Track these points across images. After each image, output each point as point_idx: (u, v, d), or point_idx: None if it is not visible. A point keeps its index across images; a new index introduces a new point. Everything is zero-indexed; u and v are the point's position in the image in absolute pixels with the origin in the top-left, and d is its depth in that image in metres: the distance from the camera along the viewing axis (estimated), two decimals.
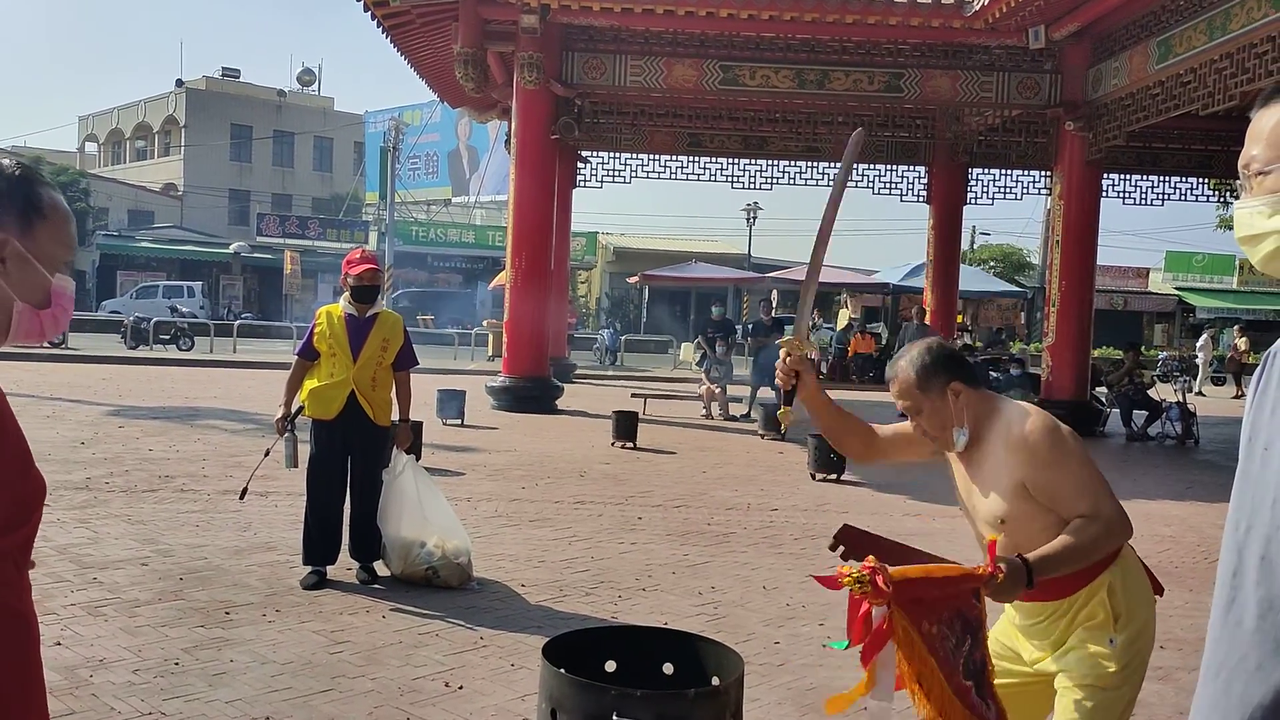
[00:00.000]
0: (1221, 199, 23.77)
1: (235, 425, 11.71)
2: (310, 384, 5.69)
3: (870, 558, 2.42)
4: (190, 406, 13.35)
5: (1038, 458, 2.54)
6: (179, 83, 51.02)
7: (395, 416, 5.85)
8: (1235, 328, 27.51)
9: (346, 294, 5.76)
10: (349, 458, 5.74)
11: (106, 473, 8.44)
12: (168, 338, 24.14)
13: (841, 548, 2.88)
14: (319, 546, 5.68)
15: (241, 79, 53.64)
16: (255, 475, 6.28)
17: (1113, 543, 2.54)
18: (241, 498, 6.19)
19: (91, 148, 57.78)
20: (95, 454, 9.28)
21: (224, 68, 54.16)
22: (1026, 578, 2.42)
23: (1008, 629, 2.82)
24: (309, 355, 5.74)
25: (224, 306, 37.21)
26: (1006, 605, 2.79)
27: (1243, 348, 26.06)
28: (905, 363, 2.72)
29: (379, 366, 5.72)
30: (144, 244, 39.67)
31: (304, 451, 5.78)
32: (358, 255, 5.92)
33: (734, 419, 14.86)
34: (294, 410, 5.72)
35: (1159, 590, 2.70)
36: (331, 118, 52.87)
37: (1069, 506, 2.52)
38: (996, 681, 2.66)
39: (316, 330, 5.71)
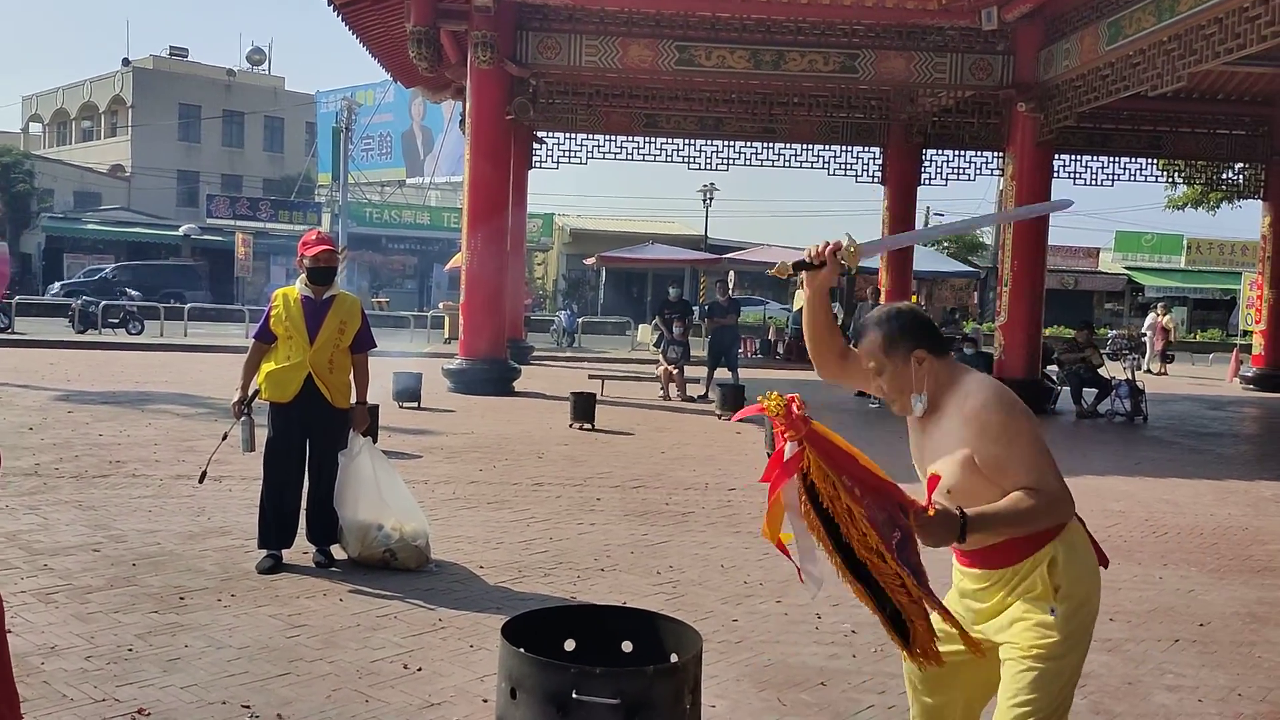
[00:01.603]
0: (1170, 179, 24.15)
1: (187, 409, 11.56)
2: (267, 367, 5.63)
3: (798, 397, 2.42)
4: (141, 391, 13.16)
5: (988, 432, 2.57)
6: (125, 62, 50.07)
7: (354, 399, 5.81)
8: (1158, 305, 27.97)
9: (302, 276, 5.70)
10: (306, 441, 5.69)
11: (56, 458, 8.30)
12: (117, 321, 23.75)
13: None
14: (275, 530, 5.63)
15: (190, 58, 52.73)
16: (213, 459, 6.21)
17: (1052, 519, 2.58)
18: (201, 481, 6.11)
19: (36, 128, 56.55)
20: (44, 439, 9.13)
21: (172, 47, 53.25)
22: (959, 528, 2.45)
23: (954, 600, 2.85)
24: (266, 338, 5.67)
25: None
26: (954, 576, 2.84)
27: (1167, 324, 26.52)
28: (874, 324, 2.75)
29: (336, 349, 5.66)
30: (91, 226, 38.94)
31: (261, 435, 5.72)
32: (313, 236, 5.86)
33: (692, 399, 14.90)
34: (250, 393, 5.66)
35: (1104, 562, 2.75)
36: (282, 97, 52.12)
37: (1013, 479, 2.55)
38: (943, 648, 2.70)
39: (273, 313, 5.64)
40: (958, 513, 2.47)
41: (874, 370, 2.76)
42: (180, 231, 39.32)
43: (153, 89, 48.58)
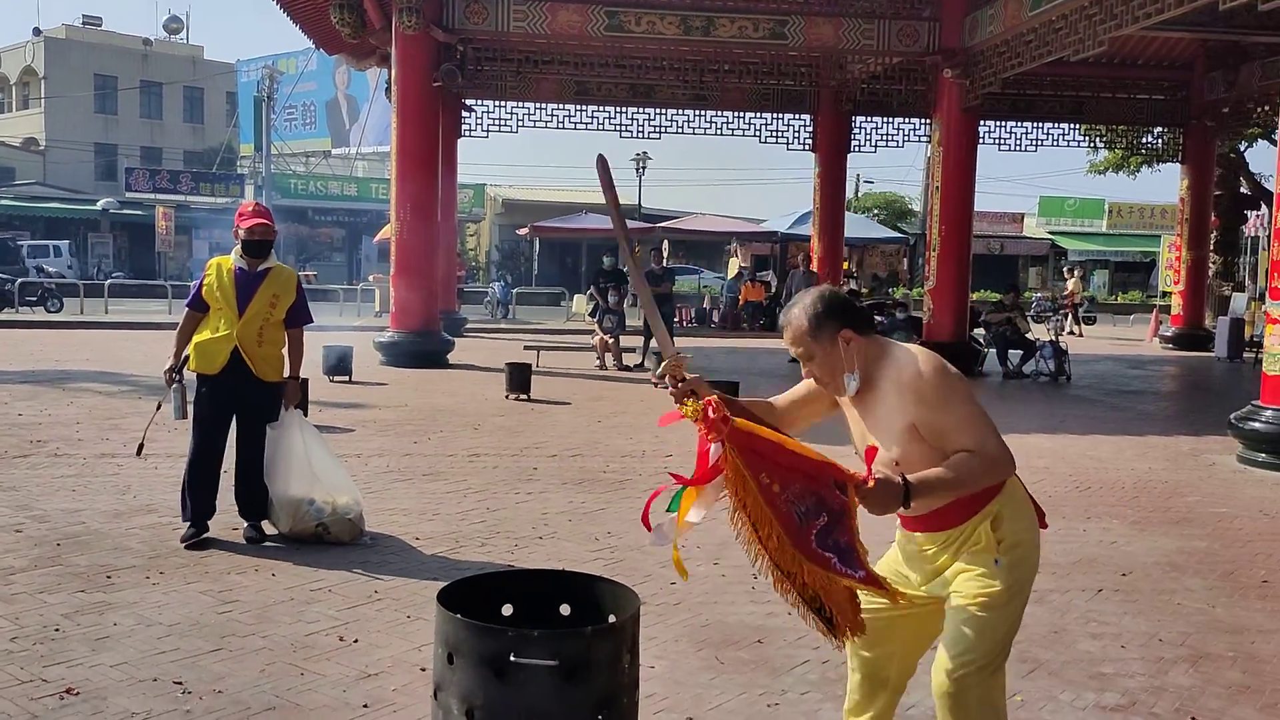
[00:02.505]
0: (1091, 144, 24.62)
1: (109, 387, 11.29)
2: (198, 338, 5.54)
3: (715, 396, 2.50)
4: (61, 369, 12.81)
5: (925, 399, 2.61)
6: (36, 31, 48.41)
7: (287, 373, 5.71)
8: (1066, 269, 28.65)
9: (238, 247, 5.57)
10: (231, 413, 5.60)
11: None
12: (34, 299, 23.06)
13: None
14: (199, 502, 5.54)
15: (104, 27, 51.11)
16: (149, 428, 6.04)
17: (994, 477, 2.64)
18: (139, 453, 5.94)
19: None
20: None
21: (85, 15, 51.53)
22: (903, 495, 2.51)
23: (896, 557, 2.91)
24: (198, 307, 5.55)
25: (93, 266, 35.65)
26: (896, 539, 2.89)
27: (1072, 289, 27.17)
28: (798, 310, 2.75)
29: (266, 322, 5.54)
30: (5, 202, 37.67)
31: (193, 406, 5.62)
32: (250, 208, 5.73)
33: (628, 369, 14.91)
34: (181, 361, 5.56)
35: (1043, 523, 2.83)
36: (201, 67, 50.82)
37: (954, 442, 2.61)
38: (875, 605, 2.76)
39: (205, 282, 5.53)
40: (900, 480, 2.52)
41: (803, 357, 2.77)
42: (98, 206, 38.19)
43: (66, 59, 47.04)
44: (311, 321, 5.84)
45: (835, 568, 2.52)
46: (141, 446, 5.93)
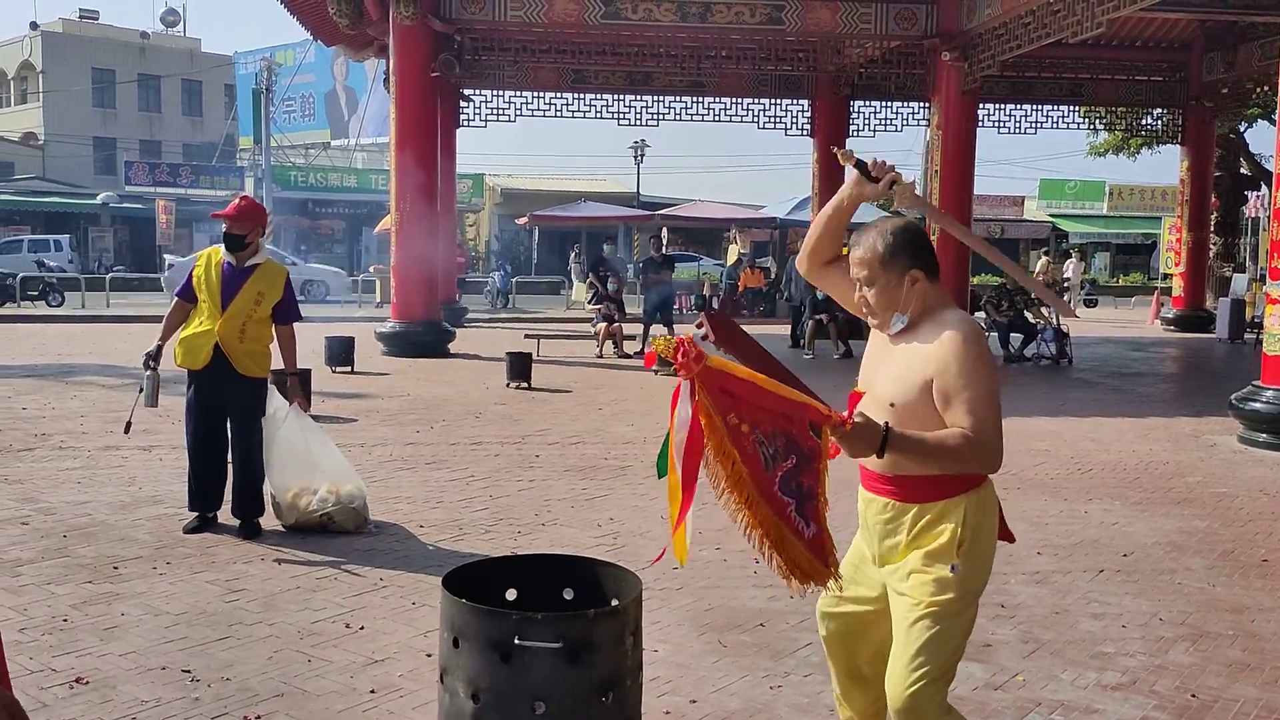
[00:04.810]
0: (1091, 127, 24.56)
1: (113, 380, 11.32)
2: (183, 332, 5.53)
3: (689, 339, 2.42)
4: (64, 363, 12.84)
5: (952, 366, 2.52)
6: (33, 25, 48.22)
7: (272, 369, 5.70)
8: (1042, 251, 28.45)
9: None
10: (218, 409, 5.58)
11: None
12: (36, 294, 23.09)
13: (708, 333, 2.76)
14: (200, 493, 5.59)
15: (101, 20, 50.98)
16: (137, 411, 5.86)
17: (978, 465, 2.54)
18: (126, 431, 5.82)
19: None
20: None
21: (81, 9, 51.30)
22: (880, 441, 2.42)
23: (858, 544, 2.83)
24: (188, 297, 5.56)
25: (94, 260, 35.65)
26: (859, 508, 2.78)
27: (1039, 269, 26.71)
28: (877, 234, 2.66)
29: (250, 319, 5.51)
30: (5, 197, 37.64)
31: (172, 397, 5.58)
32: (234, 201, 5.72)
33: (628, 356, 14.92)
34: (157, 347, 5.52)
35: (1009, 538, 2.74)
36: (199, 59, 50.69)
37: (955, 417, 2.52)
38: (844, 610, 2.77)
39: (195, 273, 5.54)
40: (881, 425, 2.44)
41: (863, 279, 2.67)
42: (98, 200, 38.17)
43: (63, 53, 46.94)
44: (300, 319, 5.81)
45: (789, 517, 2.49)
46: (129, 425, 5.77)
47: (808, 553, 2.53)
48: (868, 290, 2.66)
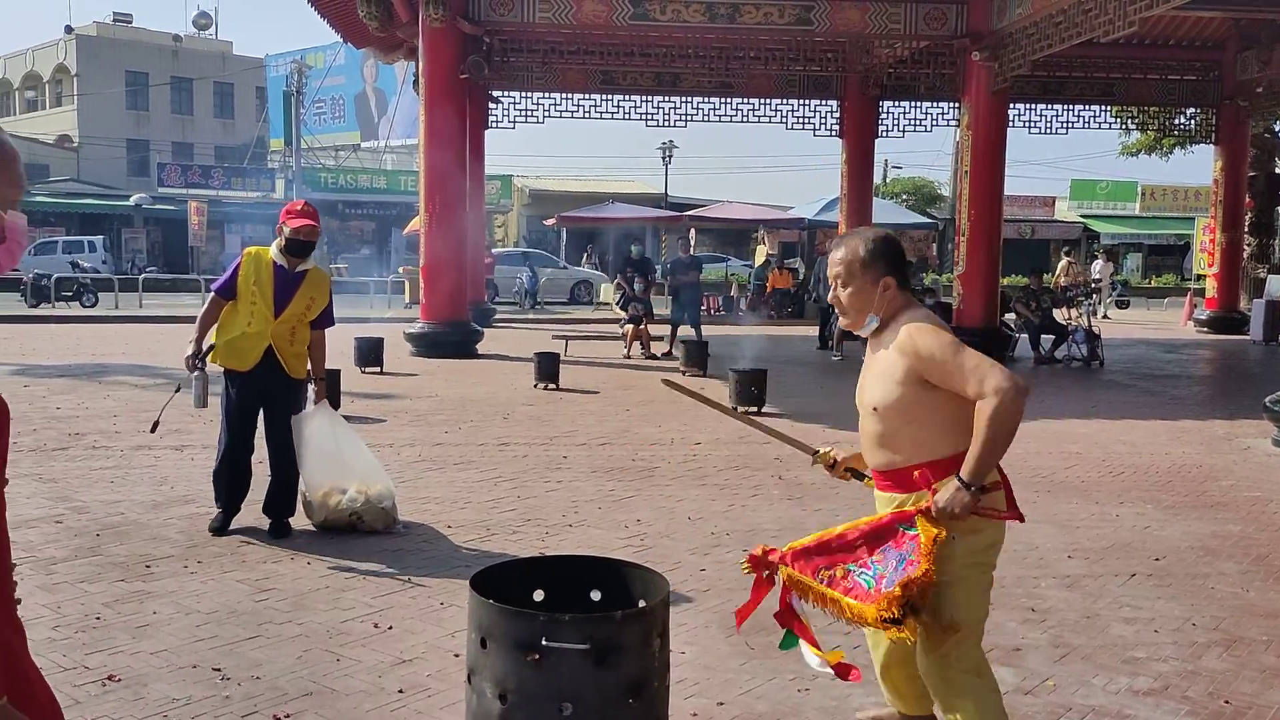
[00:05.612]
0: (1124, 126, 24.33)
1: (145, 380, 11.43)
2: (225, 335, 5.50)
3: (760, 548, 3.02)
4: (98, 363, 12.99)
5: (923, 349, 2.76)
6: (68, 29, 48.86)
7: (307, 371, 5.72)
8: (1064, 250, 27.97)
9: (279, 242, 5.52)
10: (262, 410, 5.62)
11: (13, 432, 8.17)
12: (70, 294, 23.36)
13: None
14: (228, 492, 5.62)
15: (134, 24, 51.53)
16: (167, 410, 5.91)
17: (1018, 404, 2.68)
18: (153, 430, 5.83)
19: None
20: None
21: (115, 12, 51.89)
22: (965, 490, 2.68)
23: None
24: (228, 294, 5.49)
25: (127, 261, 36.04)
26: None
27: (1059, 271, 25.72)
28: (859, 240, 2.94)
29: (299, 323, 5.55)
30: (40, 199, 38.10)
31: (216, 398, 5.63)
32: (299, 206, 5.64)
33: (655, 357, 14.92)
34: (205, 348, 5.50)
35: (1017, 516, 2.87)
36: (231, 62, 51.14)
37: (962, 384, 2.71)
38: None
39: (241, 273, 5.47)
40: (957, 482, 2.69)
41: (841, 279, 2.93)
42: (131, 201, 38.59)
43: (97, 56, 47.50)
44: (334, 325, 5.82)
45: (887, 589, 2.78)
46: (156, 424, 5.76)
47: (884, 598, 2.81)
48: (842, 291, 2.94)
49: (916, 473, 2.82)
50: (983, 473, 2.68)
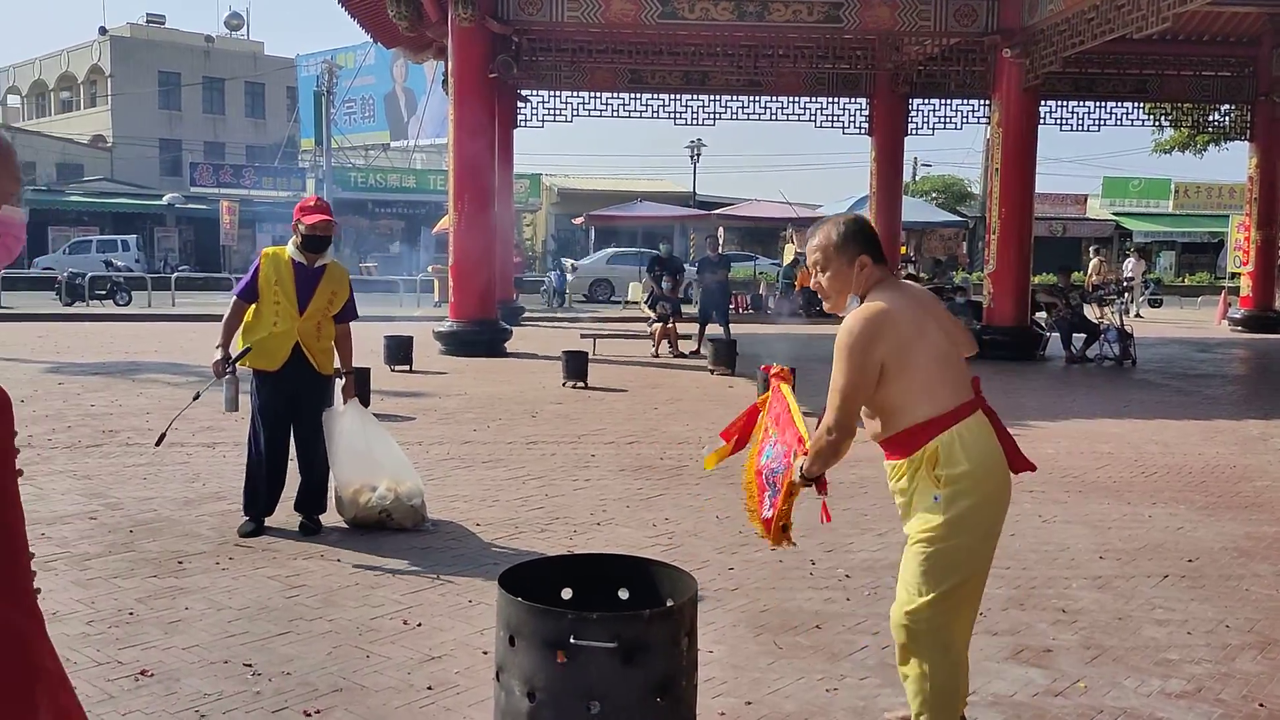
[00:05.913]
0: (1156, 123, 24.07)
1: (178, 378, 11.55)
2: (252, 336, 5.52)
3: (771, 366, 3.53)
4: (131, 361, 13.13)
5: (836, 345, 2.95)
6: (102, 30, 49.43)
7: (337, 367, 5.76)
8: (1091, 248, 27.60)
9: (296, 240, 5.57)
10: (292, 408, 5.64)
11: (48, 429, 8.30)
12: (104, 293, 23.65)
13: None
14: (263, 496, 5.61)
15: (167, 25, 52.06)
16: (197, 407, 5.84)
17: (834, 448, 2.96)
18: (158, 444, 5.69)
19: (14, 100, 55.95)
20: (35, 411, 9.12)
21: (148, 14, 52.44)
22: (801, 474, 3.08)
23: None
24: (250, 297, 5.53)
25: (160, 259, 36.42)
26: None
27: (1092, 271, 24.97)
28: (830, 226, 3.08)
29: (324, 318, 5.59)
30: (74, 198, 38.60)
31: (243, 398, 5.65)
32: (312, 202, 5.69)
33: (684, 356, 14.91)
34: (238, 354, 5.51)
35: (1021, 467, 3.04)
36: (262, 62, 51.56)
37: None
38: None
39: (261, 274, 5.51)
40: (803, 462, 3.07)
41: (817, 266, 3.06)
42: (164, 200, 39.00)
43: (131, 57, 48.01)
44: (358, 317, 5.85)
45: (760, 499, 3.30)
46: (163, 437, 5.56)
47: (761, 525, 3.30)
48: (822, 276, 3.07)
49: (900, 438, 2.98)
50: (811, 471, 3.02)
